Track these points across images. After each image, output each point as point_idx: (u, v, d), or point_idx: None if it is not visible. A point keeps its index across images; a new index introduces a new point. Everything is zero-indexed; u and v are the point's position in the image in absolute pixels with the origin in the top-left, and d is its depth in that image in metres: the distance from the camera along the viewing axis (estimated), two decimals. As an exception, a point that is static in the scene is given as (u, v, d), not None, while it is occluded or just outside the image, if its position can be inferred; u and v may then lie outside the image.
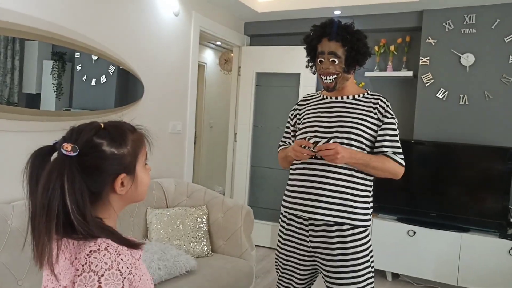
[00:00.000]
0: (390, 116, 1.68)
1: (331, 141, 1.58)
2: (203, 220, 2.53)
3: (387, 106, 1.68)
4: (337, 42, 1.63)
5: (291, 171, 1.72)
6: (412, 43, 3.48)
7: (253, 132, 4.08)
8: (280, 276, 1.77)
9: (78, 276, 0.77)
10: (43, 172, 0.80)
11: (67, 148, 0.80)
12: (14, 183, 1.92)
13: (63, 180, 0.78)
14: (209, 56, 5.81)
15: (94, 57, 2.39)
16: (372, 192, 1.71)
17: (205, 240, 2.47)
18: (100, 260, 0.77)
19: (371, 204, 1.69)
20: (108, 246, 0.79)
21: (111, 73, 2.51)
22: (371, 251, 1.63)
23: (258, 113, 4.08)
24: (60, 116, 2.17)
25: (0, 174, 1.87)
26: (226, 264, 2.34)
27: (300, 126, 1.73)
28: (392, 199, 3.32)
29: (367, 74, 3.55)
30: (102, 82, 2.47)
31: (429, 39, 3.26)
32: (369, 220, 1.65)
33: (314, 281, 1.77)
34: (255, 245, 2.73)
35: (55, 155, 0.83)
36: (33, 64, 2.06)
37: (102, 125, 0.87)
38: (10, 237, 1.68)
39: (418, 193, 3.24)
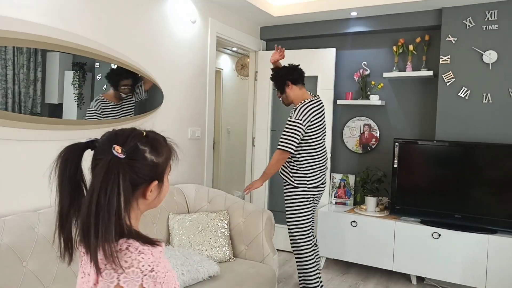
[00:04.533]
0: (289, 117, 2.63)
1: None
2: (224, 225, 2.53)
3: (294, 110, 2.62)
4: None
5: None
6: (431, 42, 3.43)
7: (271, 136, 4.08)
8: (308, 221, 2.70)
9: (99, 274, 0.80)
10: (96, 171, 0.84)
11: (118, 150, 0.84)
12: (40, 191, 1.96)
13: (119, 180, 0.82)
14: (226, 62, 5.84)
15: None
16: (298, 171, 2.66)
17: (226, 245, 2.47)
18: (121, 259, 0.79)
19: (298, 176, 2.66)
20: (129, 246, 0.81)
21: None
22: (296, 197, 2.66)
23: (276, 117, 4.07)
24: (81, 125, 2.21)
25: (26, 182, 1.92)
26: (248, 269, 2.33)
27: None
28: (415, 201, 3.25)
29: (385, 75, 3.51)
30: None
31: (449, 37, 3.20)
32: (295, 182, 2.67)
33: None
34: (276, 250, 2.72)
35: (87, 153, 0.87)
36: (54, 75, 2.10)
37: (144, 133, 0.92)
38: (37, 245, 1.71)
39: (442, 194, 3.17)
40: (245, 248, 2.53)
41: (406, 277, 3.36)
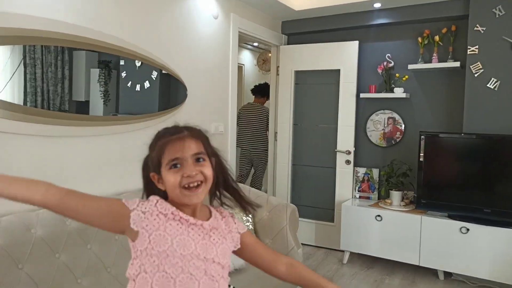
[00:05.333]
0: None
1: None
2: (249, 218, 2.54)
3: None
4: None
5: None
6: (458, 32, 3.33)
7: (293, 130, 4.07)
8: None
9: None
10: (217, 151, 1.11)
11: None
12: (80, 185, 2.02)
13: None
14: (247, 57, 5.85)
15: (138, 64, 2.47)
16: None
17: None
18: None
19: None
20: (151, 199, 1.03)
21: (154, 78, 2.58)
22: None
23: (298, 112, 4.06)
24: (107, 121, 2.26)
25: (61, 177, 1.98)
26: (273, 262, 2.34)
27: None
28: (441, 195, 3.19)
29: (410, 67, 3.44)
30: (146, 88, 2.55)
31: (477, 27, 3.11)
32: None
33: None
34: (301, 244, 2.71)
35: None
36: (81, 73, 2.15)
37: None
38: (70, 237, 1.77)
39: (470, 188, 3.09)
40: (270, 241, 2.54)
41: (432, 272, 3.30)
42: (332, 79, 3.85)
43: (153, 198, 1.02)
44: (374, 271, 3.36)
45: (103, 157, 2.21)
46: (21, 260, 1.57)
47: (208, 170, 1.02)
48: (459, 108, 3.33)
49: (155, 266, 0.96)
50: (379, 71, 3.65)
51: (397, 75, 3.58)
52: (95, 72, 2.24)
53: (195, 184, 0.99)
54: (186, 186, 0.99)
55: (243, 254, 1.12)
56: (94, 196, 1.00)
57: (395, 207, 3.38)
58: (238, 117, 5.03)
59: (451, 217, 3.12)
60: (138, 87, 2.51)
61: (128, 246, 1.93)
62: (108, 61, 2.30)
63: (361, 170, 3.79)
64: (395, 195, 3.43)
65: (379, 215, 3.33)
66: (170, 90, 2.75)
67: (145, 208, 0.99)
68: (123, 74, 2.41)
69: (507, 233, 2.85)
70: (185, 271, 0.96)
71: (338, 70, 3.78)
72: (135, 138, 2.40)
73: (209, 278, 0.99)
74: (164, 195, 1.05)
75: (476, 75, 3.12)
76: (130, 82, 2.45)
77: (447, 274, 3.26)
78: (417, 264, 3.21)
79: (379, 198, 3.70)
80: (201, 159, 1.02)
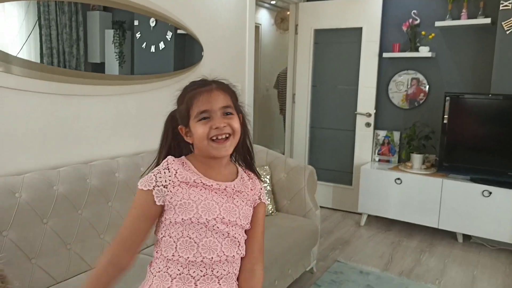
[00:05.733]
0: None
1: None
2: (266, 180, 2.53)
3: None
4: None
5: None
6: (491, -15, 3.12)
7: (312, 92, 3.97)
8: None
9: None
10: None
11: None
12: (91, 143, 2.03)
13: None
14: (264, 17, 5.67)
15: (152, 24, 2.40)
16: None
17: (269, 200, 2.49)
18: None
19: None
20: (166, 161, 1.02)
21: (169, 39, 2.53)
22: None
23: (317, 73, 3.95)
24: (122, 80, 2.23)
25: (80, 136, 1.98)
26: (291, 223, 2.35)
27: None
28: (465, 158, 3.11)
29: (437, 24, 3.26)
30: (160, 48, 2.50)
31: (512, -21, 2.89)
32: None
33: None
34: (319, 205, 2.70)
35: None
36: (95, 34, 2.11)
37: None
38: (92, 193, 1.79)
39: (494, 151, 2.99)
40: (287, 202, 2.54)
41: (451, 235, 3.28)
42: (354, 38, 3.69)
43: (170, 167, 1.00)
44: (392, 234, 3.36)
45: (119, 117, 2.19)
46: (45, 215, 1.61)
47: (236, 123, 1.01)
48: (487, 68, 3.17)
49: (179, 232, 0.98)
50: (404, 29, 3.47)
51: (423, 33, 3.40)
52: (110, 33, 2.20)
53: (223, 136, 0.99)
54: (214, 138, 0.98)
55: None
56: (129, 223, 1.00)
57: (416, 170, 3.32)
58: (277, 82, 5.17)
59: (473, 180, 3.05)
60: (153, 48, 2.47)
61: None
62: (122, 22, 2.25)
63: (382, 133, 3.71)
64: (416, 158, 3.35)
65: (398, 178, 3.29)
66: (185, 51, 2.69)
67: (165, 181, 0.98)
68: (138, 35, 2.37)
69: (532, 197, 2.78)
70: (209, 235, 0.98)
71: (360, 28, 3.62)
72: (151, 98, 2.37)
73: (231, 240, 1.01)
74: (185, 151, 1.07)
75: (508, 32, 2.94)
76: (145, 43, 2.40)
77: (466, 237, 3.23)
78: (436, 227, 3.18)
79: (399, 162, 3.64)
80: (229, 113, 1.01)
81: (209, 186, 1.00)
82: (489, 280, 2.63)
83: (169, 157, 1.03)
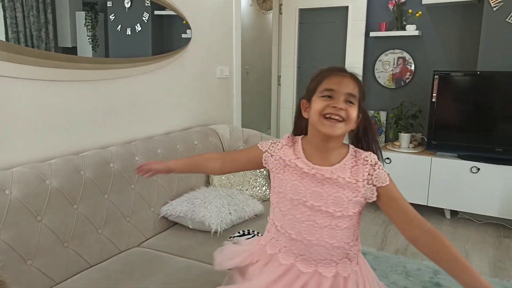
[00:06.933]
0: None
1: None
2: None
3: None
4: None
5: None
6: (476, -39, 3.12)
7: (298, 74, 3.91)
8: None
9: None
10: None
11: None
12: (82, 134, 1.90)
13: None
14: (242, -3, 5.49)
15: (127, 4, 2.26)
16: None
17: (266, 184, 2.43)
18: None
19: None
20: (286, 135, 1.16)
21: (146, 21, 2.38)
22: None
23: (302, 54, 3.88)
24: (96, 64, 2.06)
25: (65, 126, 1.84)
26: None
27: None
28: (453, 136, 3.15)
29: (424, 1, 3.25)
30: (137, 31, 2.36)
31: (498, -45, 2.90)
32: None
33: None
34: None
35: None
36: (65, 16, 1.96)
37: None
38: (51, 197, 1.67)
39: (482, 128, 3.04)
40: (285, 187, 2.49)
41: (439, 211, 3.35)
42: (340, 17, 3.64)
43: (284, 140, 1.13)
44: (382, 213, 3.37)
45: (104, 105, 2.06)
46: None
47: (354, 113, 1.03)
48: (474, 46, 3.20)
49: (275, 202, 1.11)
50: (390, 7, 3.45)
51: (409, 11, 3.39)
52: (81, 16, 2.05)
53: (337, 117, 1.01)
54: (328, 116, 1.01)
55: (381, 206, 1.10)
56: (237, 151, 1.25)
57: (404, 149, 3.34)
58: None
59: (461, 157, 3.10)
60: (129, 31, 2.32)
61: (144, 195, 1.83)
62: (94, 3, 2.10)
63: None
64: (404, 137, 3.38)
65: (388, 158, 3.30)
66: (164, 33, 2.54)
67: (273, 151, 1.12)
68: (112, 17, 2.21)
69: (519, 171, 2.85)
70: (291, 213, 1.06)
71: (346, 7, 3.57)
72: (139, 83, 2.24)
73: (311, 225, 1.04)
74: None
75: (495, 9, 2.96)
76: (120, 26, 2.25)
77: (453, 213, 3.31)
78: (425, 204, 3.23)
79: (386, 141, 3.66)
80: (351, 102, 1.04)
81: (299, 168, 1.05)
82: (480, 254, 2.70)
83: (288, 133, 1.15)
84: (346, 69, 1.09)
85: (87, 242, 1.65)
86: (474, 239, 2.92)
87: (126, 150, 1.93)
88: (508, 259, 2.63)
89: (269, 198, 2.40)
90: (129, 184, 1.86)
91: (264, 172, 2.46)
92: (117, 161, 1.84)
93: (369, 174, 1.06)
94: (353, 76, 1.07)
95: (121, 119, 2.12)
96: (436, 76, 3.10)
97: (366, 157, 1.07)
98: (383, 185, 1.06)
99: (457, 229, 3.10)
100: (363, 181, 1.05)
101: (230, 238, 1.83)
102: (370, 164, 1.06)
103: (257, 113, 5.82)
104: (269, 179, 2.47)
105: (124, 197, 1.83)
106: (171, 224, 2.01)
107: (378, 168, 1.06)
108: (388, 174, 1.07)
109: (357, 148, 1.11)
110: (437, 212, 3.36)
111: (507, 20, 2.93)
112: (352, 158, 1.08)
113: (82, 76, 1.92)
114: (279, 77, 4.00)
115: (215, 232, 1.84)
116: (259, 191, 2.38)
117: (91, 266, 1.63)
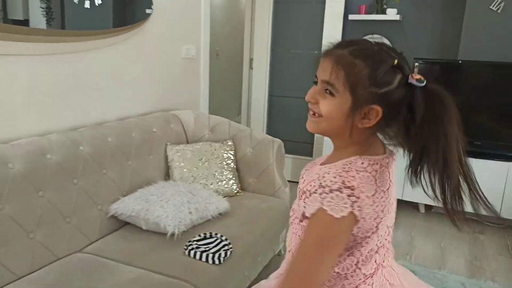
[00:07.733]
0: None
1: None
2: (230, 156, 2.24)
3: None
4: None
5: None
6: None
7: (271, 57, 3.67)
8: None
9: None
10: None
11: None
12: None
13: None
14: (214, -27, 5.15)
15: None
16: None
17: (234, 178, 2.20)
18: None
19: None
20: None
21: None
22: None
23: (277, 36, 3.63)
24: (51, 36, 1.81)
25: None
26: (260, 203, 2.09)
27: None
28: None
29: (405, -14, 3.06)
30: (97, 4, 2.06)
31: None
32: None
33: None
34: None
35: None
36: None
37: None
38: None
39: (462, 120, 2.92)
40: (254, 181, 2.27)
41: (413, 205, 3.24)
42: (317, -3, 3.40)
43: None
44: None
45: (50, 84, 1.75)
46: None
47: (328, 106, 0.82)
48: (455, 33, 3.05)
49: None
50: (371, -12, 3.24)
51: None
52: None
53: (310, 112, 0.87)
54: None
55: None
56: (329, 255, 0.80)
57: (380, 140, 3.19)
58: None
59: (439, 150, 2.98)
60: (87, 4, 2.03)
61: (89, 191, 1.59)
62: None
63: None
64: (381, 128, 3.22)
65: (363, 149, 3.14)
66: (126, 5, 2.27)
67: None
68: None
69: (497, 165, 2.75)
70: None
71: (325, -14, 3.33)
72: (91, 59, 1.94)
73: (292, 227, 0.97)
74: None
75: (479, -5, 2.81)
76: None
77: (428, 207, 3.21)
78: (400, 198, 3.11)
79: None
80: (330, 91, 0.82)
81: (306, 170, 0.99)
82: (456, 251, 2.60)
83: None
84: (336, 44, 0.84)
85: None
86: (449, 235, 2.82)
87: (68, 138, 1.64)
88: (484, 258, 2.53)
89: (236, 193, 2.19)
90: (70, 178, 1.58)
91: (232, 164, 2.22)
92: (57, 151, 1.55)
93: (310, 193, 0.80)
94: (337, 57, 0.80)
95: (66, 101, 1.82)
96: (416, 64, 2.94)
97: (334, 174, 0.78)
98: (306, 214, 0.83)
99: (431, 223, 3.00)
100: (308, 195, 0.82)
101: (189, 242, 1.60)
102: (320, 184, 0.78)
103: (227, 98, 5.55)
104: (237, 172, 2.25)
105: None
106: (122, 224, 1.75)
107: (320, 194, 0.77)
108: (330, 210, 0.76)
109: (353, 158, 0.83)
110: (411, 206, 3.25)
111: (490, 7, 2.79)
112: (350, 158, 0.83)
113: (27, 49, 1.62)
114: (251, 60, 3.74)
115: (172, 234, 1.60)
116: (225, 185, 2.15)
117: (19, 278, 1.36)
